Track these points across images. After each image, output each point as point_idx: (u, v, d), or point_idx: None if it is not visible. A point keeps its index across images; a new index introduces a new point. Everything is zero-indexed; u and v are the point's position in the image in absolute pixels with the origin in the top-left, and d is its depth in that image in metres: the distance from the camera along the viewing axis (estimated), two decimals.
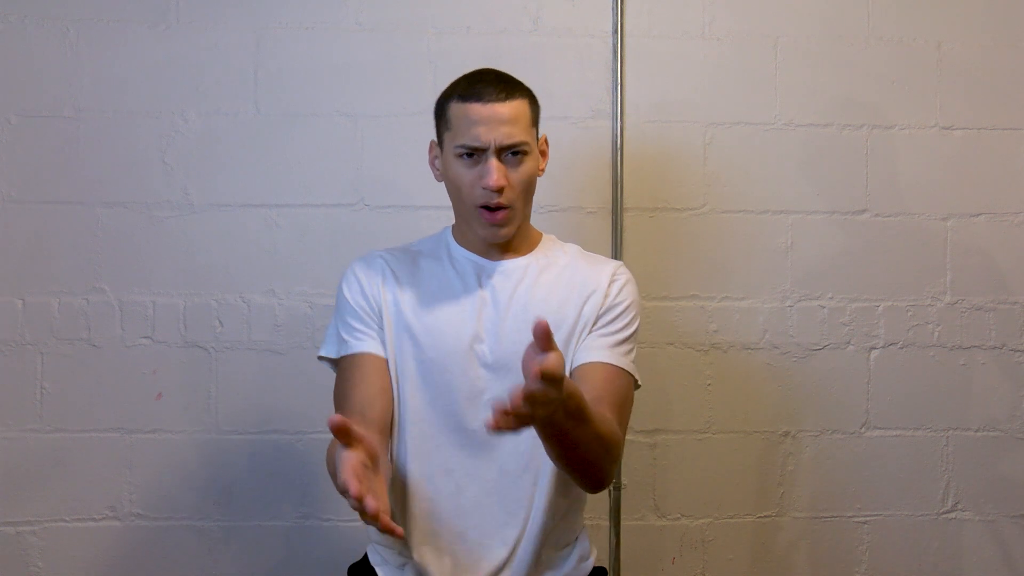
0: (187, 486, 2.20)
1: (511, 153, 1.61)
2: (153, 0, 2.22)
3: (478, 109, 1.60)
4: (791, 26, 2.31)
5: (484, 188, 1.60)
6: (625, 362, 1.66)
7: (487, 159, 1.60)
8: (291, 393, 2.21)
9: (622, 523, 2.27)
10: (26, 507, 2.18)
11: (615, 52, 2.27)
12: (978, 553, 2.33)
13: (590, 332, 1.66)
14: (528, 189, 1.66)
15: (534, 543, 1.64)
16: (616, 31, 2.27)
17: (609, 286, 1.69)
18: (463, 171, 1.63)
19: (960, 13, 2.33)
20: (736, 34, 2.30)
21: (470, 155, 1.61)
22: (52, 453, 2.18)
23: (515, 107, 1.62)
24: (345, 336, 1.67)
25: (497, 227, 1.64)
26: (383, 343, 1.66)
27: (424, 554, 1.63)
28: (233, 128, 2.22)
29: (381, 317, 1.66)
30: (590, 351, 1.65)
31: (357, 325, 1.66)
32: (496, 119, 1.59)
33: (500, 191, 1.60)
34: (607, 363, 1.64)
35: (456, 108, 1.62)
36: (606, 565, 2.25)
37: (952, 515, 2.33)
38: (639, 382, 1.69)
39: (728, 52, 2.30)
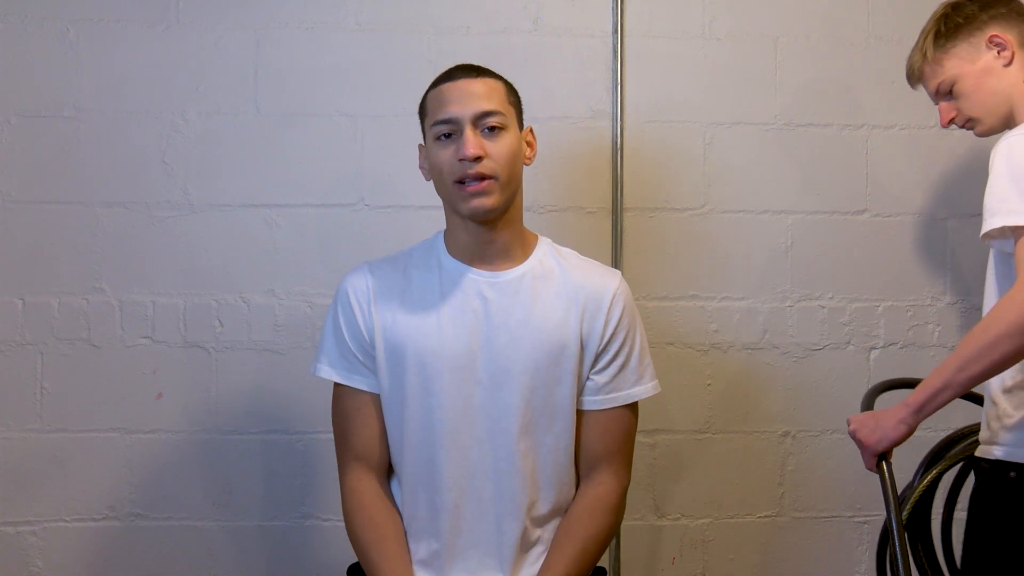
0: (187, 486, 2.20)
1: (488, 129, 1.59)
2: (153, 0, 2.22)
3: (449, 87, 1.62)
4: (791, 26, 2.31)
5: (461, 160, 1.56)
6: (635, 392, 1.67)
7: (462, 132, 1.58)
8: (291, 393, 2.21)
9: (622, 523, 2.26)
10: (26, 507, 2.18)
11: (615, 52, 2.27)
12: None
13: (593, 366, 1.66)
14: (511, 164, 1.60)
15: (531, 556, 1.65)
16: (616, 31, 2.27)
17: (608, 313, 1.65)
18: (441, 152, 1.60)
19: None
20: (736, 34, 2.30)
21: (448, 136, 1.59)
22: (52, 453, 2.18)
23: (487, 83, 1.63)
24: (345, 364, 1.66)
25: (479, 195, 1.57)
26: (377, 374, 1.64)
27: (425, 575, 1.63)
28: (233, 128, 2.22)
29: (374, 347, 1.64)
30: (593, 396, 1.67)
31: (354, 357, 1.65)
32: (468, 93, 1.60)
33: (477, 160, 1.56)
34: (610, 408, 1.66)
35: (431, 95, 1.65)
36: (606, 565, 2.25)
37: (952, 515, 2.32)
38: (656, 389, 1.71)
39: (728, 52, 2.30)
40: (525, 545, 1.64)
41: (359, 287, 1.67)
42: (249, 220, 2.22)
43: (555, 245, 1.73)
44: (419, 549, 1.64)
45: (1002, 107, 1.74)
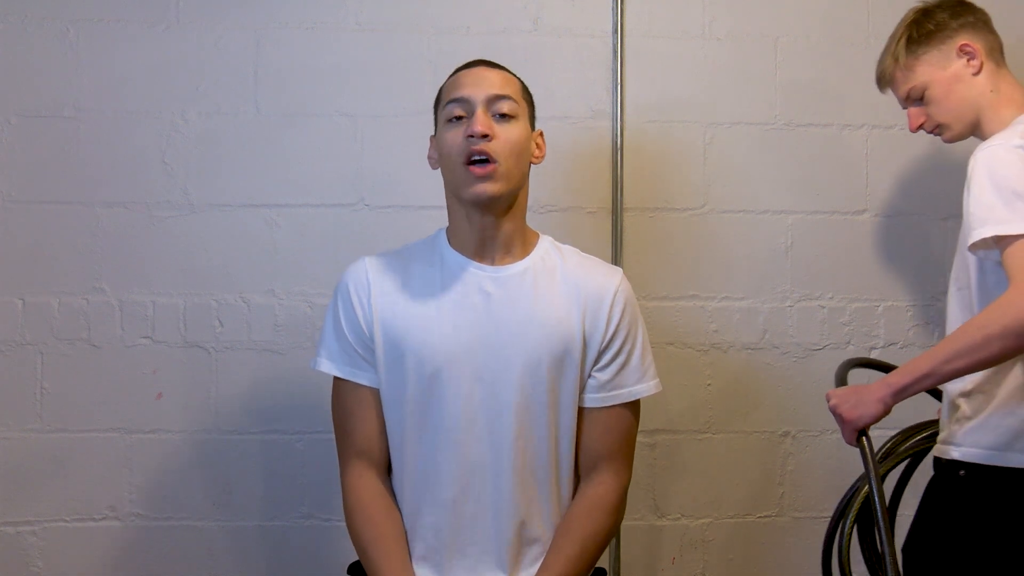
0: (187, 486, 2.20)
1: (500, 115, 1.60)
2: (153, 0, 2.22)
3: (466, 72, 1.66)
4: (791, 26, 2.31)
5: (469, 136, 1.57)
6: (637, 389, 1.68)
7: (474, 112, 1.59)
8: (291, 393, 2.21)
9: (621, 523, 2.26)
10: (26, 507, 2.18)
11: (615, 52, 2.27)
12: None
13: (595, 364, 1.66)
14: (518, 152, 1.61)
15: (531, 554, 1.65)
16: (616, 31, 2.27)
17: (611, 310, 1.66)
18: (451, 134, 1.61)
19: None
20: (736, 34, 2.30)
21: (459, 118, 1.61)
22: (52, 453, 2.18)
23: (504, 75, 1.66)
24: (346, 359, 1.65)
25: (484, 180, 1.57)
26: (376, 368, 1.64)
27: (425, 571, 1.63)
28: (233, 128, 2.22)
29: (374, 341, 1.64)
30: (595, 394, 1.67)
31: (354, 351, 1.65)
32: (483, 78, 1.63)
33: (484, 137, 1.57)
34: (611, 407, 1.66)
35: (447, 83, 1.68)
36: (606, 565, 2.25)
37: None
38: (657, 387, 1.71)
39: (728, 52, 2.30)
40: (524, 543, 1.64)
41: (359, 280, 1.67)
42: (249, 220, 2.22)
43: (556, 243, 1.73)
44: (419, 546, 1.64)
45: (970, 115, 1.78)
